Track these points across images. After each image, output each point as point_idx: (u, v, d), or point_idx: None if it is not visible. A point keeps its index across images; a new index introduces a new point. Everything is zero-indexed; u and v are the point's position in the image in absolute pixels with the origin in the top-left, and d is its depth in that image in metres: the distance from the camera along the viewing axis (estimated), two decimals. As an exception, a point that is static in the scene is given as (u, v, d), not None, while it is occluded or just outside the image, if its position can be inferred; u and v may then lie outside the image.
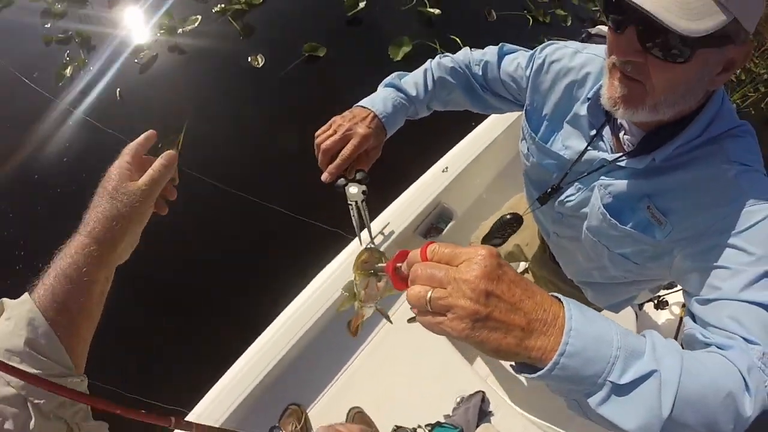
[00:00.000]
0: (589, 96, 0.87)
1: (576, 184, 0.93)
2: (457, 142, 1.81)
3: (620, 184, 0.83)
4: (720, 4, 0.57)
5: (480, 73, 1.05)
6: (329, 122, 0.91)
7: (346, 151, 0.86)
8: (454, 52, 1.07)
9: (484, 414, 1.48)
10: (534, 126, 1.00)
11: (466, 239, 1.66)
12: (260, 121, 2.88)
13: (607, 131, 0.87)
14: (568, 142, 0.93)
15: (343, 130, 0.87)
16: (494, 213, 1.64)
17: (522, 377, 2.00)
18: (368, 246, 0.66)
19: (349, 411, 1.51)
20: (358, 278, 0.64)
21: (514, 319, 0.43)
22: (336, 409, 1.51)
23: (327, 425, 0.60)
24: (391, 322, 0.74)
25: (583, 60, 0.90)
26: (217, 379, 1.41)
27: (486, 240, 1.22)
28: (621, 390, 0.45)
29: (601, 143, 0.87)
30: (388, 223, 1.53)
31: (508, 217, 1.12)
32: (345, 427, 0.59)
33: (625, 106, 0.70)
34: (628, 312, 1.91)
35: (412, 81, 1.02)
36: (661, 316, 2.06)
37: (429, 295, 0.44)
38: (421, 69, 1.05)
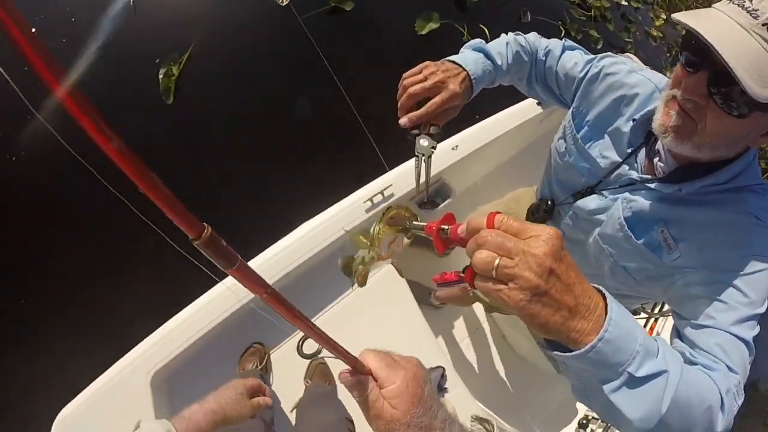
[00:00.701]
0: (635, 117, 0.90)
1: (603, 191, 0.97)
2: (462, 128, 1.80)
3: (643, 203, 0.88)
4: None
5: (543, 59, 1.05)
6: (420, 66, 0.87)
7: (432, 104, 0.83)
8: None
9: (440, 389, 1.50)
10: (577, 128, 1.03)
11: (459, 219, 1.65)
12: (268, 57, 2.76)
13: (642, 153, 0.91)
14: (606, 153, 0.96)
15: (435, 79, 0.85)
16: (492, 201, 1.65)
17: (475, 365, 2.02)
18: (398, 205, 0.67)
19: (312, 362, 1.51)
20: (383, 232, 0.64)
21: (565, 299, 0.46)
22: (299, 357, 1.51)
23: (374, 349, 0.55)
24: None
25: (637, 80, 0.93)
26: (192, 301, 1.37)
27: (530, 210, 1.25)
28: (634, 382, 0.50)
29: (634, 162, 0.91)
30: (390, 185, 1.51)
31: (549, 203, 1.16)
32: (400, 356, 0.54)
33: (674, 136, 0.74)
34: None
35: (497, 51, 1.00)
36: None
37: (497, 262, 0.45)
38: (501, 40, 1.03)
